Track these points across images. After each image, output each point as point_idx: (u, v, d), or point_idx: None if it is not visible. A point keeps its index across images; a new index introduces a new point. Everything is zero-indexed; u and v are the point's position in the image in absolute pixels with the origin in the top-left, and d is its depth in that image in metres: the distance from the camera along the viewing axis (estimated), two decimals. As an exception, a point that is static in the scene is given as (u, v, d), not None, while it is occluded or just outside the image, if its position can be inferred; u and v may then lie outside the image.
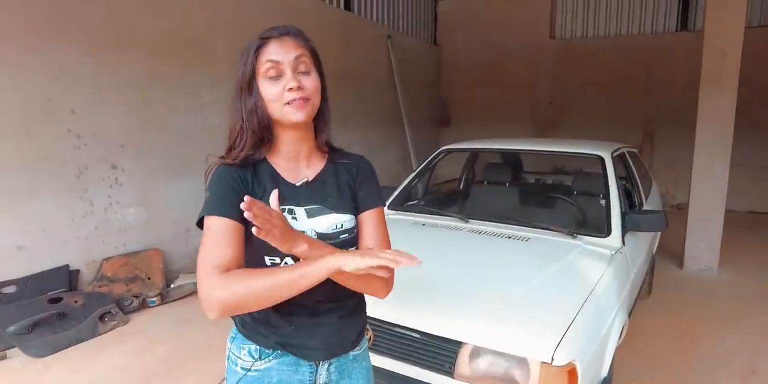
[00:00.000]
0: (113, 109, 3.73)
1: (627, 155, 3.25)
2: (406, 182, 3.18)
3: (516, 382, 1.56)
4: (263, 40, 1.01)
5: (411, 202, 3.02)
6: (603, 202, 2.53)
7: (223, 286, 0.89)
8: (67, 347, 3.03)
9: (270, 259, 1.02)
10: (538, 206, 2.94)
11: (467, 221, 2.62)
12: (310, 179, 1.09)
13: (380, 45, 7.18)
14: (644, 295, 3.76)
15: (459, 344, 1.65)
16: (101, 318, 3.27)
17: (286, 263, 1.02)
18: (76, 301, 3.29)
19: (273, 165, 1.08)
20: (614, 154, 2.91)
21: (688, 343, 3.17)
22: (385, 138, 7.39)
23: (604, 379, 1.79)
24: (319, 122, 1.10)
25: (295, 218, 1.04)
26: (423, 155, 5.30)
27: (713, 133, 4.28)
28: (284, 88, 0.99)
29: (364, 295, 1.16)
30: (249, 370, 1.09)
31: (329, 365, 1.12)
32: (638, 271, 2.64)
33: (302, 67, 1.02)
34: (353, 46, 6.50)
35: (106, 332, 3.23)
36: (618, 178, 2.69)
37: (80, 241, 3.56)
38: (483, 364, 1.61)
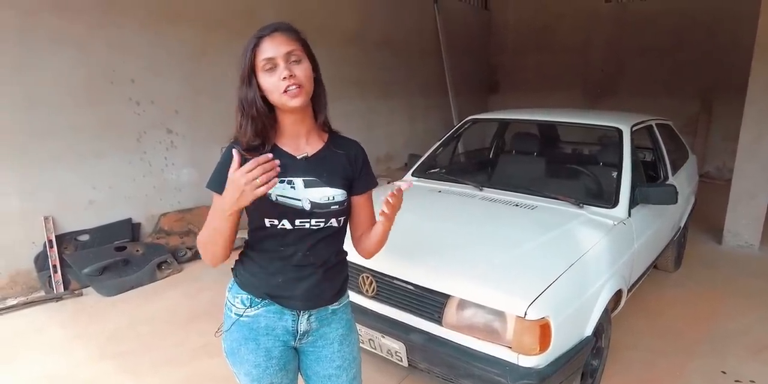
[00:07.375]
0: (168, 79, 4.06)
1: (655, 128, 3.22)
2: (430, 151, 3.33)
3: (496, 332, 1.76)
4: (258, 39, 1.15)
5: (433, 170, 3.17)
6: (615, 174, 2.58)
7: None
8: (130, 289, 3.50)
9: (269, 221, 1.19)
10: (554, 176, 3.00)
11: (481, 189, 2.76)
12: (309, 155, 1.24)
13: (427, 9, 7.14)
14: (670, 267, 3.76)
15: (447, 297, 1.85)
16: (159, 266, 3.72)
17: (283, 225, 1.18)
18: (137, 250, 3.75)
19: (279, 145, 1.23)
20: (636, 127, 2.90)
21: (706, 316, 3.14)
22: (428, 105, 7.44)
23: (587, 338, 1.94)
24: (316, 105, 1.24)
25: (293, 187, 1.19)
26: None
27: (764, 105, 4.07)
28: (279, 78, 1.13)
29: (346, 258, 1.36)
30: (241, 315, 1.26)
31: (309, 315, 1.28)
32: (649, 244, 2.69)
33: (293, 58, 1.15)
34: (398, 12, 6.51)
35: (163, 278, 3.69)
36: (634, 150, 2.71)
37: (141, 198, 4.00)
38: (467, 315, 1.81)
